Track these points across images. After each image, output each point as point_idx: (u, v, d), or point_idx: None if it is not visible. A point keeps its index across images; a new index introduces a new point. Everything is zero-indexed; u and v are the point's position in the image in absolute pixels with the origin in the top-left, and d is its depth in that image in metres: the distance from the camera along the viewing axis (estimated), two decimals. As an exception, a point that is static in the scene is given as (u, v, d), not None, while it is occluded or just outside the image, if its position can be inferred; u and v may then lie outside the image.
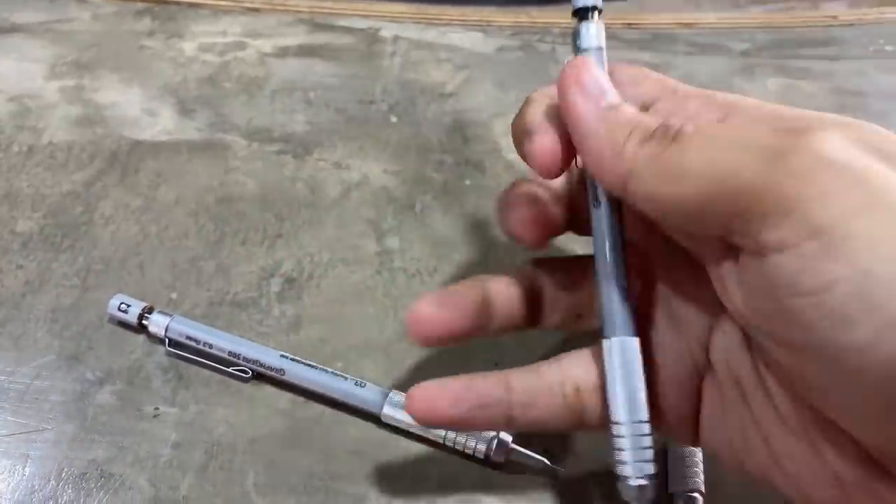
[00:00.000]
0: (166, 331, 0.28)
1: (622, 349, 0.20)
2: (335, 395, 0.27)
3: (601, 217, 0.21)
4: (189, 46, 0.41)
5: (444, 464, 0.26)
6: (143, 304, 0.29)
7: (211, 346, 0.28)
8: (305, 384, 0.27)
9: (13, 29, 0.42)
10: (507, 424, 0.22)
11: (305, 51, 0.41)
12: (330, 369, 0.27)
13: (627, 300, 0.21)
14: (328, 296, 0.31)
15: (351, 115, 0.38)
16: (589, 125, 0.19)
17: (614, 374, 0.20)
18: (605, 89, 0.20)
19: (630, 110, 0.19)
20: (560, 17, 0.43)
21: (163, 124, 0.37)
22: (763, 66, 0.41)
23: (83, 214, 0.33)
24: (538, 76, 0.40)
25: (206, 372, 0.28)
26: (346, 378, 0.27)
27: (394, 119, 0.38)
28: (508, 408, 0.22)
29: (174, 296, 0.30)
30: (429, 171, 0.35)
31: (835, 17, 0.44)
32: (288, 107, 0.38)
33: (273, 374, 0.28)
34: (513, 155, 0.35)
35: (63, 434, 0.27)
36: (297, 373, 0.27)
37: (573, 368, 0.22)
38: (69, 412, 0.27)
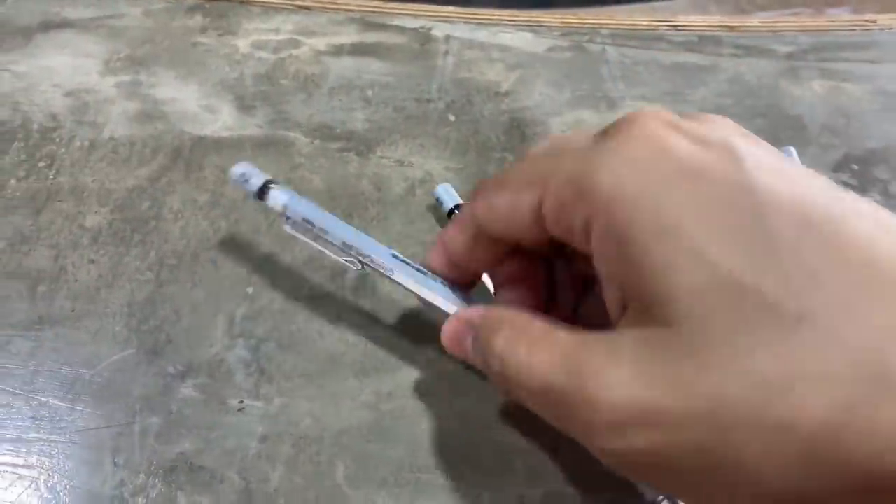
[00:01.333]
0: (284, 208, 0.27)
1: None
2: (438, 307, 0.26)
3: None
4: (243, 44, 0.41)
5: (530, 456, 0.26)
6: (265, 177, 0.28)
7: (326, 233, 0.27)
8: (412, 288, 0.26)
9: (64, 24, 0.42)
10: None
11: (359, 49, 0.41)
12: (440, 279, 0.26)
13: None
14: (402, 292, 0.31)
15: (409, 114, 0.38)
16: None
17: None
18: (464, 349, 0.23)
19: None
20: (608, 19, 0.44)
21: (223, 120, 0.37)
22: (808, 69, 0.42)
23: (151, 209, 0.33)
24: (590, 77, 0.40)
25: (289, 365, 0.28)
26: (452, 290, 0.26)
27: (451, 117, 0.38)
28: None
29: (250, 290, 0.31)
30: (491, 169, 0.36)
31: (874, 21, 0.45)
32: (346, 104, 0.38)
33: (382, 271, 0.26)
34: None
35: (149, 427, 0.27)
36: (407, 274, 0.26)
37: None
38: (153, 406, 0.27)
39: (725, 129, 0.19)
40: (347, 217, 0.33)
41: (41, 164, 0.35)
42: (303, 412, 0.27)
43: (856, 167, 0.37)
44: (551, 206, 0.20)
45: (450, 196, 0.33)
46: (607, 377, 0.17)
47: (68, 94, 0.38)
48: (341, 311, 0.30)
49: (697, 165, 0.17)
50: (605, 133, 0.19)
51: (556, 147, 0.21)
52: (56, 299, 0.30)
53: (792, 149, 0.36)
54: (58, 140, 0.36)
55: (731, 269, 0.16)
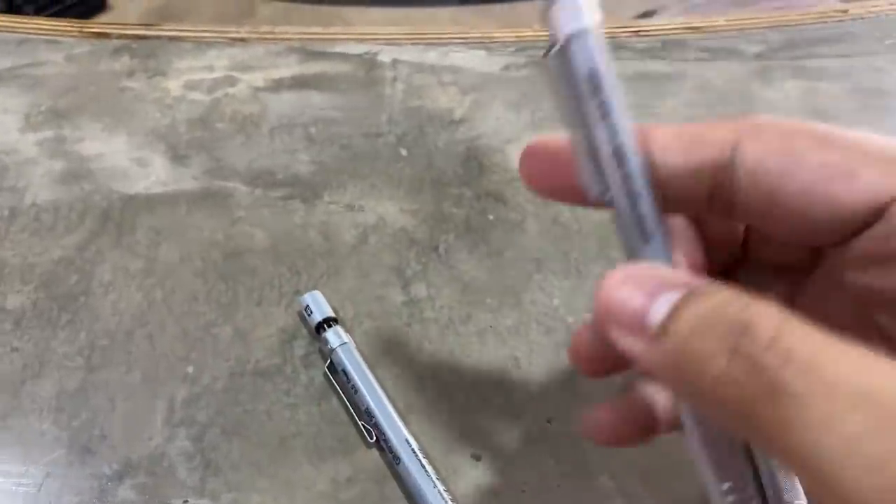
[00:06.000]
0: (330, 352, 0.28)
1: None
2: None
3: None
4: (174, 85, 0.38)
5: (507, 539, 0.24)
6: (328, 314, 0.28)
7: (356, 393, 0.27)
8: (409, 485, 0.24)
9: (-21, 77, 0.39)
10: None
11: (300, 82, 0.38)
12: (439, 483, 0.24)
13: None
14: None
15: (357, 151, 0.35)
16: (644, 366, 0.15)
17: None
18: (641, 311, 0.15)
19: (685, 328, 0.14)
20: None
21: (156, 174, 0.34)
22: (780, 69, 0.40)
23: (79, 283, 0.30)
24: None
25: (235, 455, 0.26)
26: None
27: (403, 152, 0.35)
28: None
29: (190, 369, 0.28)
30: (448, 208, 0.33)
31: (845, 12, 0.42)
32: (289, 146, 0.35)
33: (390, 454, 0.25)
34: (534, 183, 0.33)
35: (83, 540, 0.24)
36: (407, 470, 0.24)
37: None
38: (88, 514, 0.25)
39: None
40: (295, 274, 0.31)
41: (-44, 239, 0.32)
42: (254, 508, 0.25)
43: (837, 175, 0.35)
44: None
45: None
46: None
47: (-15, 156, 0.35)
48: (291, 387, 0.27)
49: None
50: None
51: None
52: (-24, 397, 0.27)
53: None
54: (-26, 211, 0.33)
55: None
